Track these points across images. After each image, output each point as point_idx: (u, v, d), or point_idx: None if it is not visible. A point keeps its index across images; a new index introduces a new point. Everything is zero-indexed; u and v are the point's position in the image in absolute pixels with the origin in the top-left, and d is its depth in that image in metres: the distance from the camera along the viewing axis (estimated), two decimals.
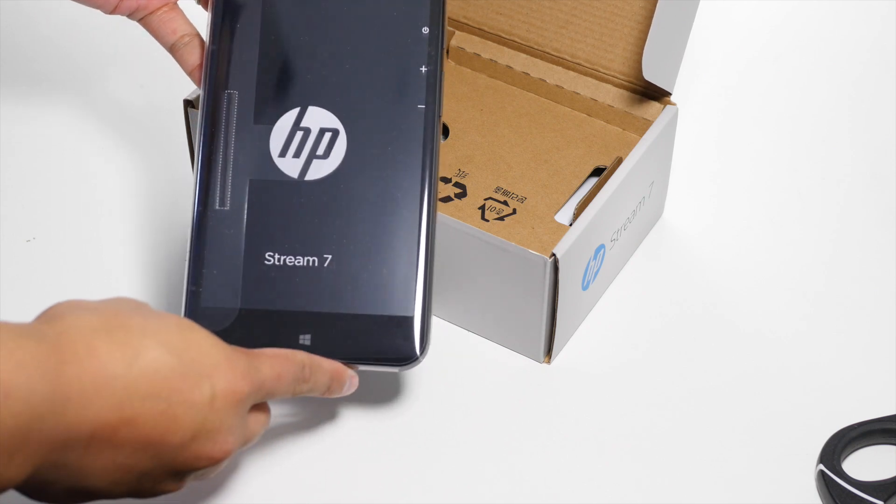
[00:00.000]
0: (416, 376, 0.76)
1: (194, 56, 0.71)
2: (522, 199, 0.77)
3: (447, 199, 0.77)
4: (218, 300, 0.64)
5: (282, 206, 0.65)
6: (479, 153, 0.80)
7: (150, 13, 0.72)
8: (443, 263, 0.76)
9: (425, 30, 0.68)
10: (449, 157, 0.79)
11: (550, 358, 0.77)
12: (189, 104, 0.79)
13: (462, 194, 0.77)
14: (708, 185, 0.88)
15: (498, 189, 0.78)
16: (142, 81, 0.93)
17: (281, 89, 0.67)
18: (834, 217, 0.86)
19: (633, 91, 0.81)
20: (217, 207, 0.65)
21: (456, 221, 0.74)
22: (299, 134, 0.66)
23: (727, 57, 0.96)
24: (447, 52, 0.86)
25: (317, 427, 0.74)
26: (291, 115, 0.66)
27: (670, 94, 0.80)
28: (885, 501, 0.69)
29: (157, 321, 0.56)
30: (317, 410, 0.74)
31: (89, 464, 0.54)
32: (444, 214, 0.74)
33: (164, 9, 0.72)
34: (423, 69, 0.67)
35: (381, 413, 0.74)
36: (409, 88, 0.67)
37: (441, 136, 0.68)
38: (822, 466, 0.71)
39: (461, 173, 0.78)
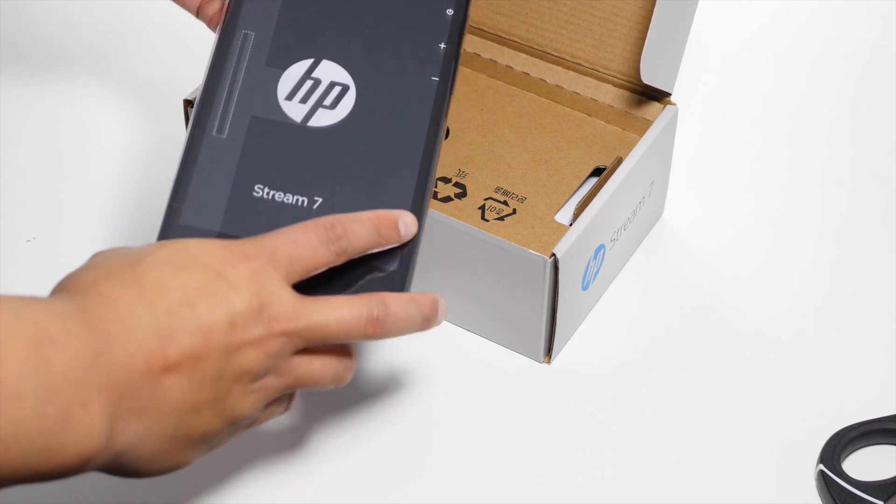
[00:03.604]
0: (415, 376, 0.76)
1: (215, 7, 0.71)
2: (522, 199, 0.77)
3: (447, 199, 0.77)
4: (198, 220, 0.62)
5: (280, 146, 0.64)
6: (479, 153, 0.80)
7: None
8: (443, 263, 0.76)
9: (450, 11, 0.68)
10: (449, 157, 0.79)
11: (550, 358, 0.77)
12: (189, 104, 0.79)
13: (462, 194, 0.77)
14: (708, 185, 0.88)
15: (498, 189, 0.78)
16: (142, 81, 0.93)
17: (299, 38, 0.67)
18: (834, 217, 0.86)
19: (633, 91, 0.81)
20: (214, 134, 0.64)
21: (456, 221, 0.74)
22: (309, 83, 0.66)
23: (727, 57, 0.96)
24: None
25: (316, 426, 0.74)
26: (305, 63, 0.66)
27: (670, 94, 0.80)
28: (885, 501, 0.69)
29: (149, 248, 0.56)
30: (316, 410, 0.74)
31: (165, 398, 0.54)
32: (444, 214, 0.74)
33: None
34: (443, 46, 0.67)
35: (380, 413, 0.74)
36: (425, 61, 0.67)
37: (448, 116, 0.67)
38: (822, 466, 0.71)
39: (461, 173, 0.78)
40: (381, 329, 0.59)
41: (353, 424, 0.74)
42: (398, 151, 0.65)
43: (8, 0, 0.98)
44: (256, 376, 0.57)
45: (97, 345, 0.52)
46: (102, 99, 0.92)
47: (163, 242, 0.57)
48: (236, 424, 0.58)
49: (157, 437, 0.55)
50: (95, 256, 0.58)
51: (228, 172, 0.64)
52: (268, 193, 0.64)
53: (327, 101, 0.66)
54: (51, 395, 0.50)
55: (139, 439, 0.54)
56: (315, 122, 0.65)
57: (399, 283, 0.62)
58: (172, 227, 0.62)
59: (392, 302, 0.59)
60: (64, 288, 0.56)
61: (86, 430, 0.51)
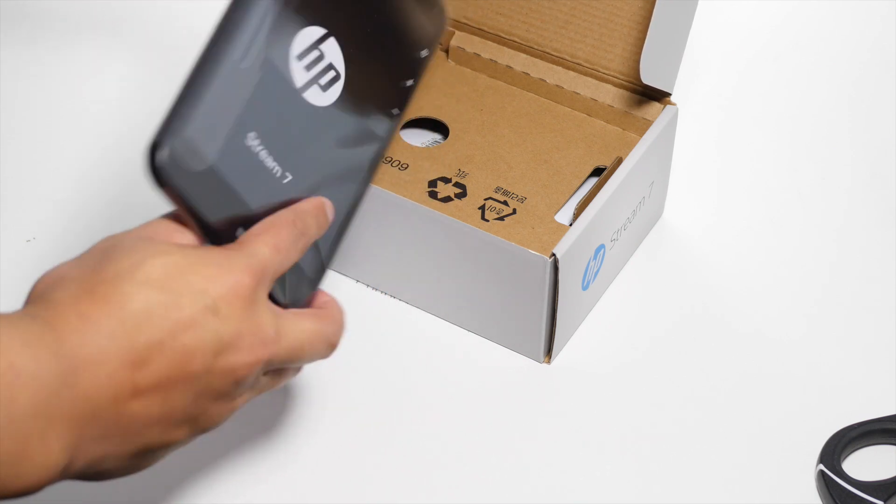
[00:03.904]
0: (415, 376, 0.76)
1: None
2: (522, 199, 0.77)
3: (447, 199, 0.77)
4: (199, 140, 0.59)
5: (278, 103, 0.61)
6: (479, 153, 0.80)
7: None
8: (443, 263, 0.76)
9: (424, 52, 0.67)
10: (449, 157, 0.79)
11: (550, 358, 0.77)
12: None
13: (462, 194, 0.77)
14: (708, 185, 0.88)
15: (498, 189, 0.78)
16: (142, 81, 0.93)
17: (324, 5, 0.65)
18: (834, 217, 0.86)
19: (633, 91, 0.81)
20: (236, 59, 0.60)
21: (456, 221, 0.74)
22: (316, 52, 0.64)
23: (727, 57, 0.96)
24: (447, 51, 0.86)
25: (316, 426, 0.74)
26: (319, 31, 0.64)
27: (670, 94, 0.80)
28: (885, 501, 0.69)
29: (135, 257, 0.54)
30: (316, 409, 0.74)
31: (131, 423, 0.53)
32: (444, 214, 0.74)
33: None
34: (408, 83, 0.66)
35: (380, 412, 0.74)
36: (398, 87, 0.66)
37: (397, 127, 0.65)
38: (822, 466, 0.71)
39: (461, 173, 0.78)
40: (333, 351, 0.59)
41: (353, 424, 0.74)
42: (351, 161, 0.64)
43: (7, 0, 0.98)
44: (233, 397, 0.56)
45: (65, 375, 0.51)
46: (102, 99, 0.92)
47: (153, 247, 0.55)
48: (205, 431, 0.57)
49: (121, 456, 0.54)
50: (84, 256, 0.55)
51: (237, 105, 0.60)
52: (257, 147, 0.60)
53: (322, 81, 0.63)
54: (10, 430, 0.49)
55: (101, 459, 0.53)
56: (308, 96, 0.62)
57: (319, 274, 0.61)
58: (175, 136, 0.58)
59: (342, 322, 0.60)
60: (44, 295, 0.54)
61: (42, 461, 0.50)
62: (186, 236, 0.57)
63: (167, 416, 0.54)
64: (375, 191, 0.75)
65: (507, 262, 0.73)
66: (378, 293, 0.81)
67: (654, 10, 0.76)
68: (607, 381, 0.76)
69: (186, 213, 0.57)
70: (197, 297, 0.53)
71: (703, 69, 0.95)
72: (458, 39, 0.85)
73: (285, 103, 0.62)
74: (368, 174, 0.65)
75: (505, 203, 0.77)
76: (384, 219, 0.76)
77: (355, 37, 0.66)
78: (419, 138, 0.83)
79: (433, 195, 0.77)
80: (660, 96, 0.80)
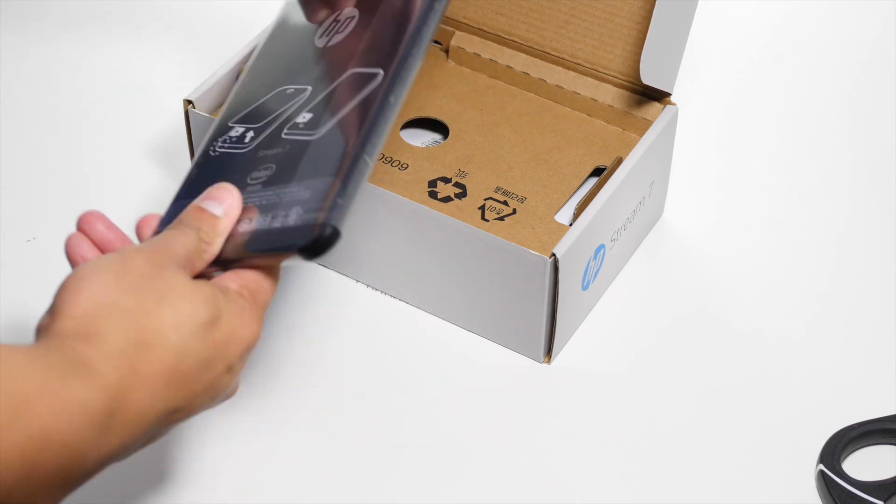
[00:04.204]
0: (415, 375, 0.76)
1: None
2: (522, 199, 0.77)
3: (447, 199, 0.77)
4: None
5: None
6: (479, 153, 0.80)
7: None
8: (443, 263, 0.76)
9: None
10: (449, 157, 0.79)
11: (550, 358, 0.77)
12: (189, 104, 0.79)
13: (462, 194, 0.77)
14: (708, 186, 0.88)
15: (498, 189, 0.78)
16: (142, 81, 0.93)
17: None
18: (834, 217, 0.86)
19: (633, 91, 0.81)
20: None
21: (456, 221, 0.74)
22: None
23: (727, 57, 0.96)
24: (447, 51, 0.86)
25: (315, 426, 0.74)
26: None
27: (670, 94, 0.80)
28: (885, 501, 0.69)
29: (184, 310, 0.55)
30: (316, 409, 0.74)
31: (129, 452, 0.55)
32: (444, 214, 0.74)
33: None
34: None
35: (380, 412, 0.74)
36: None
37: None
38: (822, 466, 0.71)
39: (461, 173, 0.78)
40: None
41: (353, 424, 0.74)
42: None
43: (7, 1, 0.98)
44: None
45: (99, 441, 0.52)
46: (102, 99, 0.92)
47: (197, 307, 0.56)
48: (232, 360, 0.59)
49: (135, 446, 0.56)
50: (131, 279, 0.56)
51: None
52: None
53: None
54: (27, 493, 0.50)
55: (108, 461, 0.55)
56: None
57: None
58: (340, 216, 0.59)
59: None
60: (92, 326, 0.54)
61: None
62: (205, 257, 0.59)
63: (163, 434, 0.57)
64: (375, 191, 0.75)
65: (507, 262, 0.73)
66: (378, 293, 0.81)
67: (654, 10, 0.76)
68: (607, 381, 0.76)
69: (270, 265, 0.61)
70: (224, 359, 0.57)
71: (703, 69, 0.95)
72: (458, 39, 0.85)
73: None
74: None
75: (505, 203, 0.77)
76: (384, 219, 0.76)
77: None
78: (419, 138, 0.83)
79: (433, 195, 0.77)
80: (660, 96, 0.80)
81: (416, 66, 0.63)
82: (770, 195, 0.87)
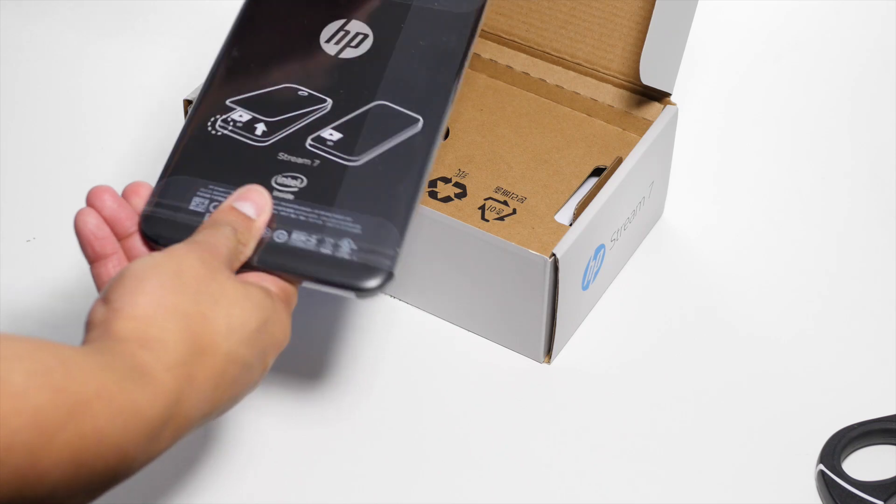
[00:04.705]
0: (416, 375, 0.76)
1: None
2: (522, 199, 0.77)
3: (447, 199, 0.77)
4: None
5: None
6: (479, 153, 0.80)
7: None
8: (443, 263, 0.76)
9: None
10: (449, 157, 0.79)
11: (550, 358, 0.77)
12: (189, 104, 0.79)
13: (462, 194, 0.77)
14: (708, 185, 0.88)
15: (498, 189, 0.78)
16: (142, 81, 0.93)
17: None
18: (834, 216, 0.86)
19: (633, 91, 0.81)
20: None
21: (456, 221, 0.74)
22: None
23: (727, 57, 0.96)
24: None
25: (315, 426, 0.74)
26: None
27: (670, 94, 0.80)
28: (885, 501, 0.69)
29: (236, 316, 0.56)
30: (315, 408, 0.74)
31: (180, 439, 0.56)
32: (444, 214, 0.74)
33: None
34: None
35: (380, 412, 0.74)
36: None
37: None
38: (822, 466, 0.71)
39: (461, 173, 0.78)
40: None
41: (353, 423, 0.74)
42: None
43: (7, 1, 0.98)
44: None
45: (149, 446, 0.53)
46: (102, 99, 0.92)
47: (250, 311, 0.57)
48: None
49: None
50: (183, 280, 0.56)
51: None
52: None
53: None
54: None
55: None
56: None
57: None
58: (398, 259, 0.62)
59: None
60: (149, 327, 0.54)
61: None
62: (247, 253, 0.60)
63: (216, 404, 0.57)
64: None
65: (507, 262, 0.73)
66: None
67: (654, 10, 0.76)
68: (607, 381, 0.76)
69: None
70: (263, 361, 0.58)
71: (703, 69, 0.95)
72: None
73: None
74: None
75: (505, 203, 0.77)
76: None
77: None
78: None
79: (433, 195, 0.77)
80: (660, 96, 0.80)
81: (451, 111, 0.66)
82: (770, 195, 0.87)
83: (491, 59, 0.84)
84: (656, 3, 0.76)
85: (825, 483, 0.70)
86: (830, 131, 0.91)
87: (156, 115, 0.91)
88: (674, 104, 0.80)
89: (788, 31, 0.98)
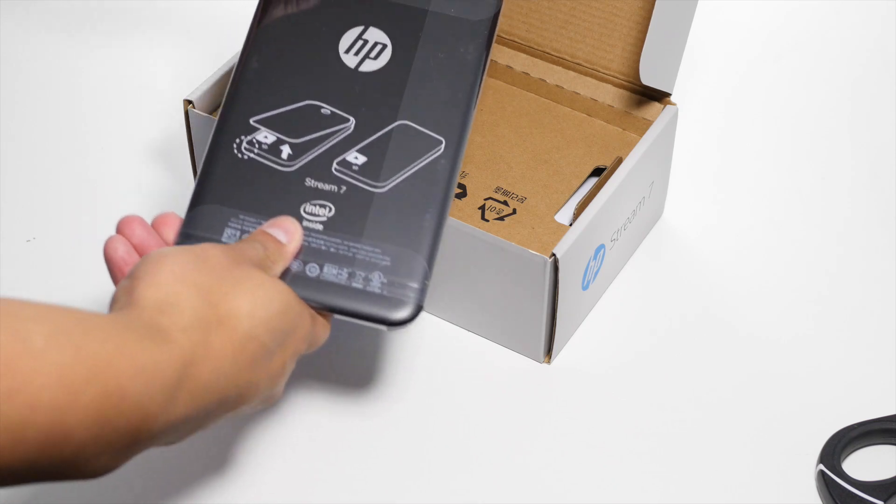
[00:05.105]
0: (415, 375, 0.76)
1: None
2: (522, 199, 0.77)
3: None
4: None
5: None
6: (479, 153, 0.80)
7: None
8: (443, 263, 0.76)
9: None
10: None
11: (550, 358, 0.77)
12: (189, 104, 0.79)
13: (462, 194, 0.77)
14: (708, 186, 0.88)
15: (498, 189, 0.78)
16: (142, 81, 0.93)
17: None
18: (834, 216, 0.86)
19: (633, 91, 0.81)
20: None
21: (456, 221, 0.74)
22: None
23: (727, 57, 0.96)
24: None
25: (315, 426, 0.74)
26: None
27: (670, 94, 0.80)
28: (885, 501, 0.69)
29: (257, 296, 0.58)
30: (315, 409, 0.74)
31: (188, 429, 0.57)
32: None
33: None
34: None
35: (380, 412, 0.74)
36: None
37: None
38: (822, 466, 0.71)
39: (461, 173, 0.78)
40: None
41: (353, 424, 0.74)
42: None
43: (8, 1, 0.98)
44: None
45: (167, 406, 0.54)
46: (103, 99, 0.92)
47: (270, 297, 0.58)
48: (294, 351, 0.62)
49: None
50: (205, 261, 0.58)
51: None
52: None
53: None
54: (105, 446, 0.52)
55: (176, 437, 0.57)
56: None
57: None
58: (424, 294, 0.63)
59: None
60: (171, 296, 0.56)
61: (110, 465, 0.54)
62: (274, 271, 0.62)
63: (215, 422, 0.59)
64: None
65: (507, 262, 0.73)
66: None
67: (654, 10, 0.76)
68: (607, 381, 0.76)
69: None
70: (282, 352, 0.59)
71: (703, 69, 0.95)
72: None
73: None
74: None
75: (505, 203, 0.77)
76: None
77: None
78: None
79: None
80: (660, 96, 0.80)
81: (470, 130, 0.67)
82: (770, 195, 0.87)
83: (491, 59, 0.84)
84: (656, 3, 0.76)
85: (825, 483, 0.70)
86: (830, 131, 0.91)
87: (156, 115, 0.91)
88: (674, 104, 0.80)
89: (788, 31, 0.98)
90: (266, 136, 0.66)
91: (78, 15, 0.98)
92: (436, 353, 0.77)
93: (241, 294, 0.57)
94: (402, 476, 0.71)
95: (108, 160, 0.88)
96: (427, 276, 0.62)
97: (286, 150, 0.65)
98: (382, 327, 0.62)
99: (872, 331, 0.79)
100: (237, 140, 0.65)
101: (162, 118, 0.90)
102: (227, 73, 0.80)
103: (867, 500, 0.69)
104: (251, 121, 0.66)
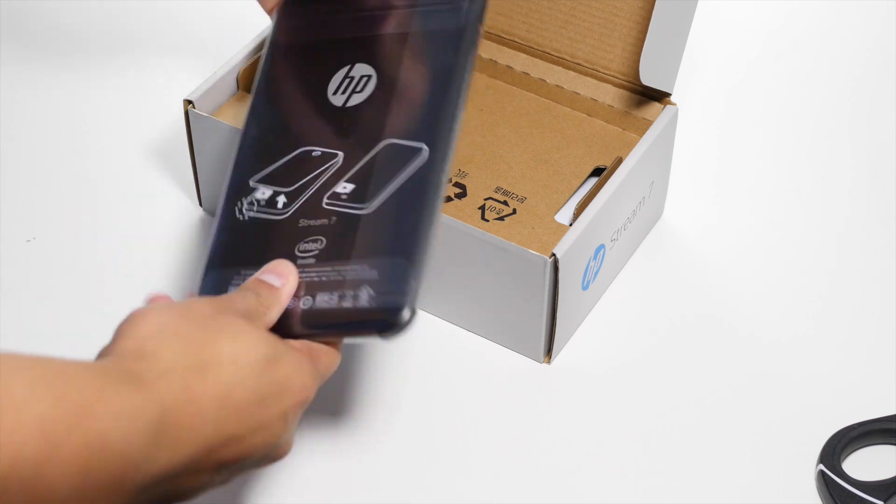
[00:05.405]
0: (415, 376, 0.76)
1: None
2: (522, 199, 0.77)
3: (447, 199, 0.77)
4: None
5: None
6: (479, 153, 0.80)
7: None
8: (443, 263, 0.76)
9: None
10: None
11: (550, 358, 0.77)
12: (189, 104, 0.79)
13: (462, 194, 0.77)
14: (708, 186, 0.88)
15: (498, 189, 0.78)
16: (142, 81, 0.93)
17: None
18: (834, 216, 0.86)
19: (633, 91, 0.81)
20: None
21: (456, 221, 0.74)
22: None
23: (727, 57, 0.96)
24: None
25: (315, 427, 0.74)
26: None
27: (670, 94, 0.80)
28: (885, 501, 0.69)
29: (241, 344, 0.57)
30: (315, 410, 0.74)
31: (181, 485, 0.55)
32: (444, 214, 0.74)
33: None
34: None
35: (380, 412, 0.74)
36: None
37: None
38: (822, 466, 0.71)
39: (461, 173, 0.78)
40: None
41: (353, 424, 0.74)
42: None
43: (8, 1, 0.98)
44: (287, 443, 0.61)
45: (149, 453, 0.52)
46: (103, 99, 0.92)
47: (254, 343, 0.57)
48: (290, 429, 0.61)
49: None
50: (189, 310, 0.57)
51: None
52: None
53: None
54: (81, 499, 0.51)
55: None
56: None
57: None
58: (415, 296, 0.61)
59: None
60: (148, 347, 0.55)
61: None
62: (270, 316, 0.61)
63: (216, 480, 0.57)
64: None
65: (507, 262, 0.73)
66: None
67: (654, 10, 0.76)
68: (607, 381, 0.76)
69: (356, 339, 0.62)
70: (279, 402, 0.58)
71: (703, 69, 0.95)
72: None
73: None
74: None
75: (505, 203, 0.77)
76: None
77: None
78: None
79: None
80: (660, 96, 0.80)
81: (458, 134, 0.65)
82: (770, 195, 0.87)
83: (491, 59, 0.84)
84: (656, 3, 0.76)
85: (825, 483, 0.70)
86: (830, 131, 0.91)
87: (156, 115, 0.91)
88: (674, 104, 0.80)
89: (788, 31, 0.98)
90: (263, 193, 0.66)
91: (78, 15, 0.98)
92: (436, 353, 0.77)
93: (222, 341, 0.56)
94: (402, 475, 0.71)
95: (108, 160, 0.88)
96: (415, 278, 0.61)
97: (281, 200, 0.65)
98: (378, 339, 0.61)
99: (872, 331, 0.79)
100: (238, 203, 0.66)
101: (162, 118, 0.90)
102: (227, 74, 0.80)
103: (867, 500, 0.69)
104: (250, 182, 0.66)
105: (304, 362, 0.59)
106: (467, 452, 0.73)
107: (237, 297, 0.60)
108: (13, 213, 0.84)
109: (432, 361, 0.77)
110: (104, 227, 0.84)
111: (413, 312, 0.60)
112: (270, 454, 0.59)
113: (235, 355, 0.56)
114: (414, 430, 0.73)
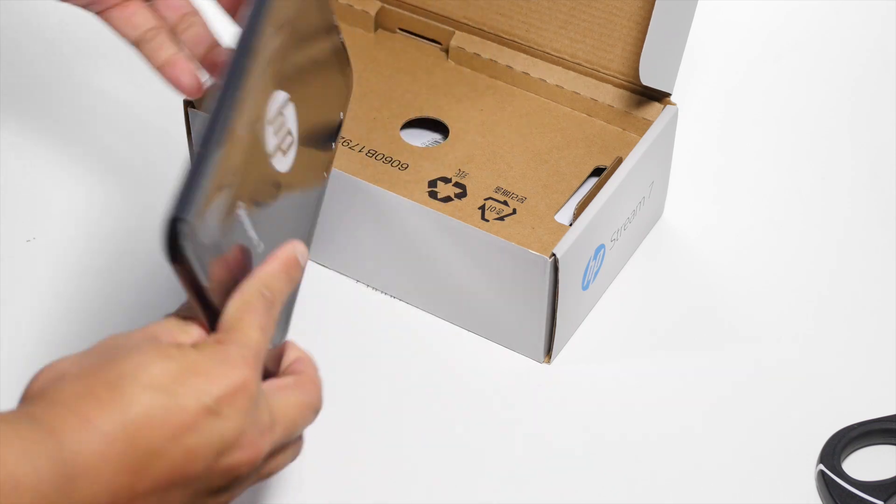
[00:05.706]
0: (415, 375, 0.76)
1: (163, 51, 0.68)
2: (522, 199, 0.77)
3: (447, 199, 0.77)
4: (214, 216, 0.56)
5: (257, 172, 0.61)
6: (479, 153, 0.80)
7: (108, 8, 0.68)
8: (443, 263, 0.76)
9: (342, 115, 0.68)
10: (449, 157, 0.79)
11: (550, 358, 0.77)
12: (189, 104, 0.79)
13: (462, 194, 0.77)
14: (708, 185, 0.88)
15: (498, 189, 0.78)
16: (141, 81, 0.93)
17: (288, 68, 0.65)
18: (834, 216, 0.86)
19: (633, 91, 0.81)
20: (237, 127, 0.58)
21: (456, 221, 0.74)
22: (281, 117, 0.63)
23: (727, 57, 0.96)
24: (447, 51, 0.86)
25: (313, 425, 0.73)
26: (283, 95, 0.63)
27: (670, 94, 0.80)
28: (885, 501, 0.69)
29: (139, 359, 0.53)
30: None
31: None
32: (444, 214, 0.74)
33: (125, 2, 0.68)
34: (333, 145, 0.69)
35: (379, 412, 0.74)
36: None
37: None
38: (822, 466, 0.71)
39: (461, 173, 0.78)
40: (318, 414, 0.60)
41: (353, 424, 0.74)
42: (300, 224, 0.65)
43: (7, 1, 0.98)
44: (233, 490, 0.56)
45: (64, 483, 0.50)
46: (103, 98, 0.92)
47: (155, 347, 0.54)
48: (246, 481, 0.57)
49: None
50: (87, 353, 0.55)
51: (235, 176, 0.58)
52: (244, 218, 0.59)
53: (284, 146, 0.63)
54: None
55: None
56: (275, 163, 0.62)
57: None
58: (197, 212, 0.55)
59: (320, 381, 0.60)
60: (44, 392, 0.53)
61: None
62: (191, 333, 0.56)
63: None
64: (375, 191, 0.75)
65: (507, 262, 0.73)
66: (378, 293, 0.81)
67: (654, 10, 0.76)
68: (607, 381, 0.76)
69: (190, 288, 0.56)
70: (199, 398, 0.53)
71: (703, 69, 0.95)
72: (458, 39, 0.85)
73: (261, 172, 0.61)
74: (311, 231, 0.65)
75: (505, 203, 0.77)
76: (384, 219, 0.76)
77: (305, 101, 0.65)
78: (419, 138, 0.83)
79: (433, 195, 0.77)
80: (660, 96, 0.80)
81: (250, 74, 0.59)
82: (770, 195, 0.87)
83: (491, 59, 0.84)
84: (656, 3, 0.76)
85: (825, 483, 0.70)
86: (830, 131, 0.91)
87: (156, 115, 0.91)
88: (674, 104, 0.80)
89: (788, 31, 0.98)
90: None
91: (78, 15, 0.98)
92: (436, 352, 0.77)
93: (122, 362, 0.53)
94: (401, 475, 0.71)
95: (109, 160, 0.88)
96: (195, 189, 0.54)
97: None
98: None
99: (872, 331, 0.79)
100: None
101: (163, 118, 0.90)
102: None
103: (867, 500, 0.69)
104: None
105: (220, 353, 0.54)
106: (466, 452, 0.73)
107: (157, 328, 0.56)
108: (13, 213, 0.84)
109: (432, 361, 0.77)
110: (104, 226, 0.84)
111: (184, 221, 0.54)
112: (231, 463, 0.54)
113: (129, 373, 0.52)
114: (414, 430, 0.73)
